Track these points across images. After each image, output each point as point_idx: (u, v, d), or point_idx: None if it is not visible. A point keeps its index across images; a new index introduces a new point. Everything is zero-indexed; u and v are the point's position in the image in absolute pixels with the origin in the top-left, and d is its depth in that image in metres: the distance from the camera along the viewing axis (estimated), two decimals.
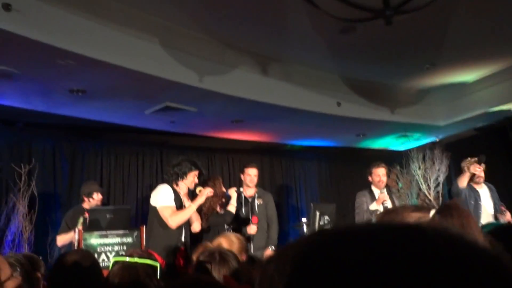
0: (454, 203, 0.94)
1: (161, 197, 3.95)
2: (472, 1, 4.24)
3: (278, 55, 5.36)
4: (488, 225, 2.33)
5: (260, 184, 5.60)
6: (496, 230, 2.22)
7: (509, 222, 4.90)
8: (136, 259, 1.66)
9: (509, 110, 6.61)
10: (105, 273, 2.20)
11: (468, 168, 5.22)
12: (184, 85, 4.60)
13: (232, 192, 4.67)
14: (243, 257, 2.59)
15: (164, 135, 6.62)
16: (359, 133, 7.34)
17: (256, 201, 5.09)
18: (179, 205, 4.00)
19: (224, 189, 4.66)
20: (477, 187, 5.26)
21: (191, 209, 3.93)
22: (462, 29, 4.76)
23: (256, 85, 5.28)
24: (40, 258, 3.11)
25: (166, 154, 6.86)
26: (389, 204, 4.77)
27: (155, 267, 1.65)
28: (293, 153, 8.25)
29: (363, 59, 5.49)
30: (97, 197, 4.94)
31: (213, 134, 6.88)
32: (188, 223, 4.08)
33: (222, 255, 1.97)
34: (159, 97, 5.03)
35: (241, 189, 5.15)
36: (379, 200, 4.79)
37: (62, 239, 4.70)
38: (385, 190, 5.07)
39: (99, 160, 6.36)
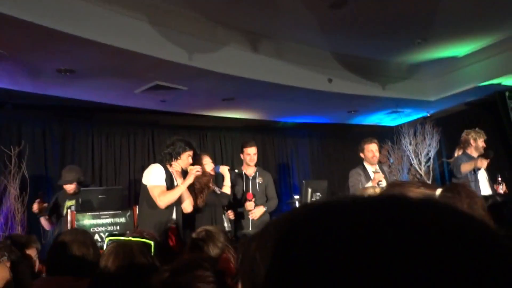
0: (462, 183, 0.95)
1: (152, 176, 3.92)
2: None
3: (268, 32, 5.30)
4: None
5: None
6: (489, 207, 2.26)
7: (504, 192, 4.95)
8: (130, 238, 1.67)
9: (499, 84, 6.63)
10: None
11: (474, 140, 5.20)
12: (174, 63, 4.55)
13: (224, 171, 4.57)
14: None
15: (155, 114, 6.58)
16: (350, 109, 7.35)
17: (257, 179, 5.11)
18: (171, 185, 3.98)
19: (211, 165, 4.56)
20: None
21: (180, 189, 3.91)
22: (453, 3, 4.73)
23: (246, 63, 5.23)
24: (34, 236, 3.11)
25: (158, 133, 6.84)
26: (384, 183, 4.75)
27: (149, 245, 1.67)
28: (284, 131, 8.26)
29: (354, 34, 5.45)
30: (70, 187, 4.57)
31: (204, 113, 6.85)
32: (179, 202, 4.07)
33: (211, 234, 1.99)
34: (148, 76, 4.98)
35: (242, 169, 5.16)
36: (374, 180, 4.77)
37: (44, 223, 4.67)
38: (378, 168, 5.05)
39: (90, 140, 6.33)
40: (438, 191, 0.97)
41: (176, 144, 4.03)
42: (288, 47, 5.63)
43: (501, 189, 5.02)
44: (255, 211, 4.87)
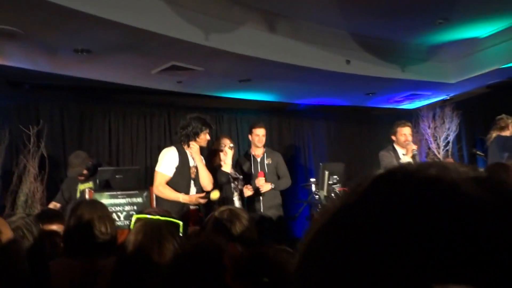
0: (506, 163, 0.90)
1: (163, 162, 3.95)
2: None
3: (286, 11, 5.21)
4: None
5: (268, 144, 5.58)
6: None
7: None
8: (158, 217, 1.65)
9: None
10: (118, 233, 2.21)
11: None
12: (190, 43, 4.51)
13: (227, 150, 4.49)
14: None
15: (171, 95, 6.57)
16: (368, 92, 7.24)
17: (266, 161, 5.09)
18: (186, 167, 3.97)
19: (229, 146, 4.56)
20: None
21: (177, 198, 3.85)
22: None
23: (263, 43, 5.17)
24: (60, 210, 3.07)
25: (174, 114, 6.85)
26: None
27: (178, 225, 1.65)
28: (301, 113, 8.19)
29: (373, 15, 5.32)
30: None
31: (220, 94, 6.82)
32: (198, 183, 4.06)
33: (235, 213, 1.97)
34: (165, 56, 4.96)
35: (250, 150, 5.15)
36: (408, 152, 4.71)
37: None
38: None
39: (107, 121, 6.37)
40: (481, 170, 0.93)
41: (192, 124, 4.00)
42: (306, 27, 5.54)
43: None
44: (264, 186, 4.86)
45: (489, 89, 7.63)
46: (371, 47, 6.08)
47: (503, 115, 5.56)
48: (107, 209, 2.20)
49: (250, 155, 5.10)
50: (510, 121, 5.40)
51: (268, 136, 6.17)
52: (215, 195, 3.94)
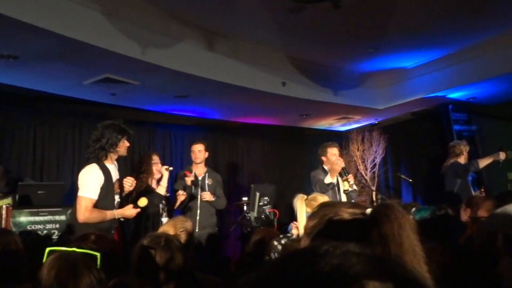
0: (390, 203, 0.95)
1: (87, 185, 3.43)
2: None
3: (225, 30, 5.25)
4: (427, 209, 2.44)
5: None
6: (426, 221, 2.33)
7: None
8: (74, 249, 1.54)
9: (443, 97, 6.93)
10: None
11: (466, 151, 5.78)
12: (126, 57, 4.40)
13: (163, 171, 4.36)
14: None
15: (103, 106, 6.33)
16: (302, 113, 7.43)
17: (207, 181, 5.05)
18: (111, 183, 3.66)
19: (159, 165, 4.47)
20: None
21: (111, 215, 3.50)
22: (405, 16, 4.88)
23: (201, 61, 5.16)
24: None
25: None
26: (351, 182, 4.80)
27: (95, 257, 1.55)
28: (237, 131, 8.23)
29: (309, 39, 5.51)
30: None
31: (156, 109, 6.70)
32: (120, 197, 3.81)
33: (167, 241, 1.92)
34: (98, 68, 4.79)
35: (191, 168, 5.09)
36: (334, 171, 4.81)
37: None
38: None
39: (32, 131, 5.98)
40: (368, 211, 0.98)
41: (105, 135, 3.56)
42: (244, 47, 5.61)
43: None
44: (205, 194, 4.86)
45: (413, 116, 8.13)
46: (307, 70, 6.27)
47: (455, 142, 5.99)
48: (13, 235, 2.06)
49: (193, 174, 5.04)
50: (463, 147, 5.81)
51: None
52: (142, 202, 3.76)
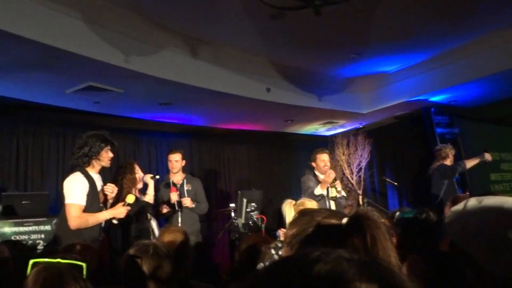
0: (365, 212, 0.97)
1: (72, 193, 3.44)
2: None
3: (208, 37, 5.27)
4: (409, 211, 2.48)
5: (188, 168, 5.54)
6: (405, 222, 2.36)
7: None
8: (58, 260, 1.52)
9: (425, 100, 7.04)
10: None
11: (451, 154, 5.92)
12: (109, 65, 4.39)
13: (148, 180, 4.38)
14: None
15: (88, 115, 6.29)
16: (287, 118, 7.47)
17: (185, 187, 5.03)
18: (96, 192, 3.63)
19: (141, 174, 4.43)
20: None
21: (101, 216, 3.53)
22: (386, 22, 4.96)
23: (185, 68, 5.17)
24: None
25: None
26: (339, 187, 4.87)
27: (81, 267, 1.53)
28: (222, 137, 8.23)
29: (292, 45, 5.56)
30: None
31: (140, 116, 6.67)
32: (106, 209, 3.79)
33: (155, 249, 1.91)
34: (81, 76, 4.77)
35: (169, 177, 5.06)
36: (328, 178, 4.84)
37: None
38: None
39: (15, 140, 5.90)
40: (344, 220, 1.00)
41: (89, 143, 3.59)
42: (227, 53, 5.63)
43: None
44: (185, 200, 4.84)
45: (397, 119, 8.23)
46: (290, 76, 6.32)
47: (441, 146, 6.16)
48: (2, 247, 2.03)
49: (170, 182, 5.00)
50: (448, 150, 5.97)
51: (188, 160, 6.11)
52: (130, 199, 3.73)
